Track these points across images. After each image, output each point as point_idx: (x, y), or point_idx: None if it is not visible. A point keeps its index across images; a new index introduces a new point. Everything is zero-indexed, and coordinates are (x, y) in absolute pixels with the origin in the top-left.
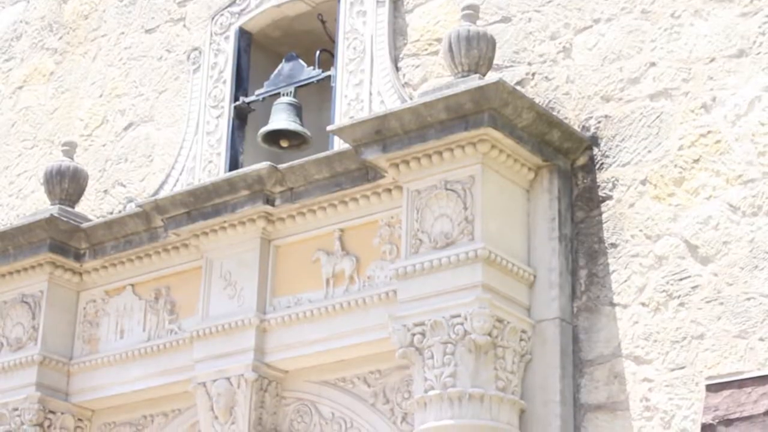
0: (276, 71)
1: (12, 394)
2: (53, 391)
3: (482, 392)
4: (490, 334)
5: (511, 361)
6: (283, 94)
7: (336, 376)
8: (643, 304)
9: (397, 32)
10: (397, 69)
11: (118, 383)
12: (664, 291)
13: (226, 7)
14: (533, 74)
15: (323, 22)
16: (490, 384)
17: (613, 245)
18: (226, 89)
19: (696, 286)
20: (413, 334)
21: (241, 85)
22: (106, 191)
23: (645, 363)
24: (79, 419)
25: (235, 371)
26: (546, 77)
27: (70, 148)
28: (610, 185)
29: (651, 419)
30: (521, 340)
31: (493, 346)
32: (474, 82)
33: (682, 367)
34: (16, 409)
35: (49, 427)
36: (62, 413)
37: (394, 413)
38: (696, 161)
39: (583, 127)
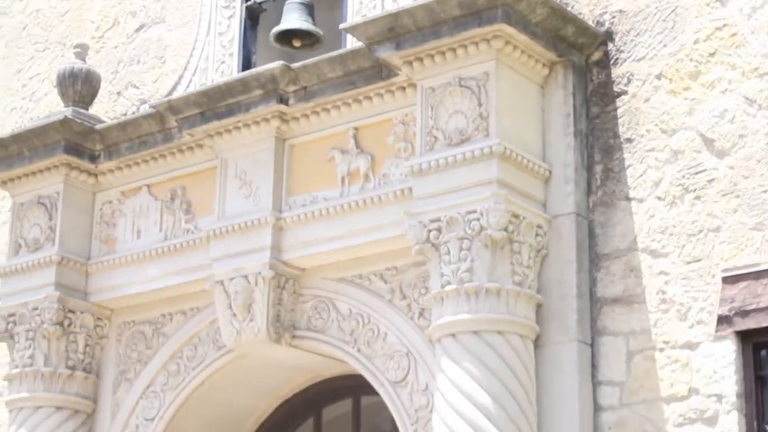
0: None
1: (31, 294)
2: (72, 290)
3: (499, 287)
4: (506, 230)
5: (527, 255)
6: None
7: (353, 273)
8: (659, 198)
9: None
10: None
11: (135, 282)
12: (680, 185)
13: None
14: None
15: None
16: (507, 278)
17: (629, 140)
18: None
19: (712, 180)
20: (429, 231)
21: None
22: (119, 93)
23: (661, 256)
24: (99, 318)
25: (252, 269)
26: None
27: (82, 51)
28: (625, 80)
29: (667, 312)
30: (537, 235)
31: (509, 241)
32: None
33: (699, 260)
34: (36, 309)
35: (68, 326)
36: (81, 312)
37: (411, 309)
38: (712, 55)
39: (598, 22)
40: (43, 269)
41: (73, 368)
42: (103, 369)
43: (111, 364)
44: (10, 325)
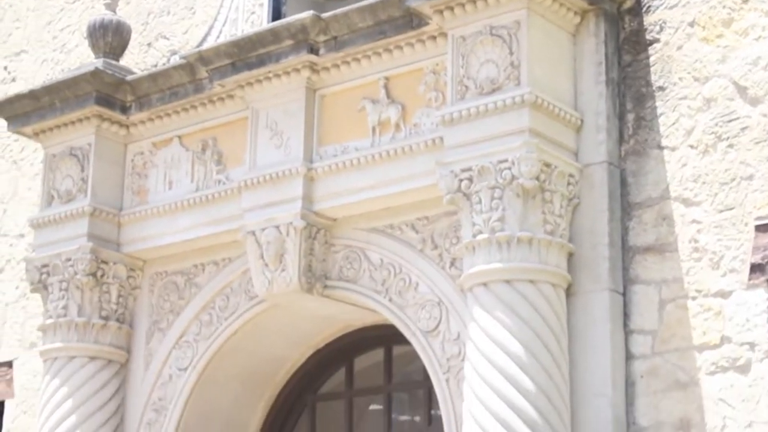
0: None
1: (64, 244)
2: (104, 241)
3: (530, 236)
4: (537, 179)
5: (559, 205)
6: None
7: (384, 223)
8: (691, 147)
9: None
10: None
11: (167, 233)
12: (712, 133)
13: None
14: None
15: None
16: (539, 228)
17: (661, 88)
18: None
19: (745, 128)
20: (460, 180)
21: None
22: (149, 44)
23: (693, 205)
24: (131, 269)
25: (283, 219)
26: None
27: (112, 2)
28: (658, 28)
29: (700, 260)
30: (569, 184)
31: (540, 191)
32: None
33: (731, 208)
34: (69, 260)
35: (101, 276)
36: (114, 263)
37: (442, 258)
38: (745, 2)
39: None
40: (76, 220)
41: (106, 318)
42: (136, 319)
43: (144, 314)
44: (44, 276)
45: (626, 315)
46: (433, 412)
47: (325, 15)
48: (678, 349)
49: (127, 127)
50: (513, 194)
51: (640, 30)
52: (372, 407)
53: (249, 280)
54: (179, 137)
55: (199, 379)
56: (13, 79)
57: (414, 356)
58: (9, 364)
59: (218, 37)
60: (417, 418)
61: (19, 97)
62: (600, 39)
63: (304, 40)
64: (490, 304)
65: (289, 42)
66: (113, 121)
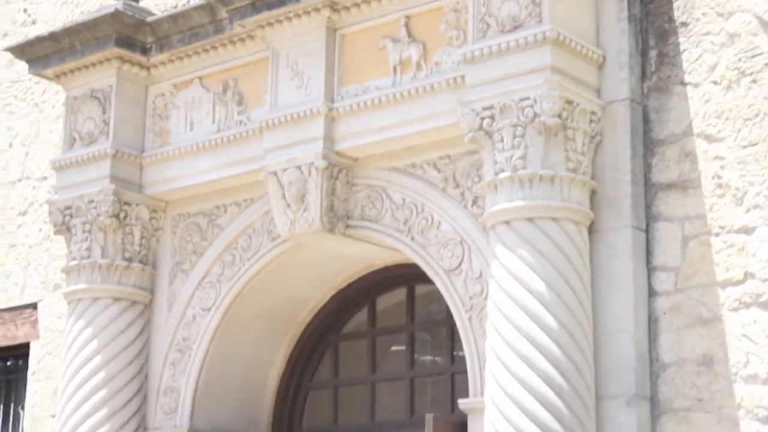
0: None
1: (87, 186)
2: (127, 183)
3: (553, 173)
4: (559, 116)
5: (581, 142)
6: None
7: (406, 162)
8: (714, 83)
9: None
10: None
11: (189, 174)
12: (736, 68)
13: None
14: None
15: None
16: (561, 165)
17: (684, 24)
18: None
19: None
20: (482, 118)
21: None
22: None
23: (717, 141)
24: (154, 210)
25: (305, 159)
26: None
27: None
28: None
29: (723, 196)
30: (591, 121)
31: (562, 128)
32: None
33: (755, 144)
34: (92, 202)
35: (124, 218)
36: (136, 205)
37: (464, 197)
38: None
39: None
40: (98, 162)
41: (129, 260)
42: (159, 260)
43: (167, 255)
44: (67, 218)
45: (649, 252)
46: (455, 353)
47: None
48: (701, 286)
49: (148, 68)
50: (535, 132)
51: None
52: (394, 348)
53: (271, 220)
54: (200, 78)
55: (223, 320)
56: (33, 22)
57: (436, 295)
58: (34, 306)
59: None
60: (439, 359)
61: (39, 40)
62: None
63: None
64: (513, 242)
65: None
66: (134, 62)
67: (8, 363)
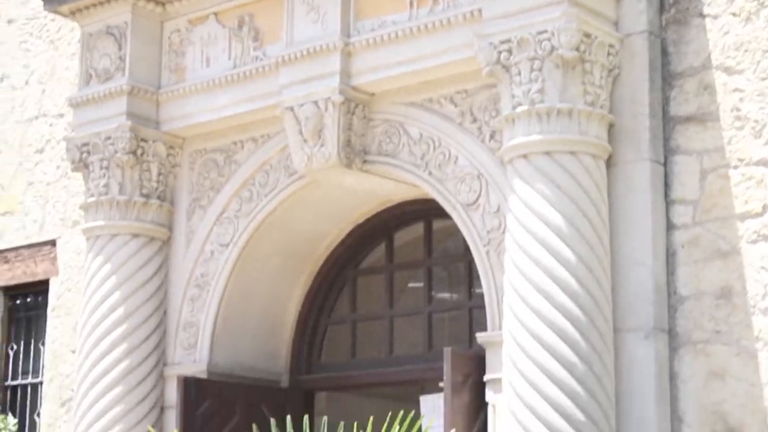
0: None
1: (104, 123)
2: (143, 119)
3: (571, 107)
4: (577, 49)
5: (599, 75)
6: None
7: (422, 96)
8: (733, 14)
9: None
10: None
11: (206, 111)
12: (755, 0)
13: None
14: None
15: None
16: (579, 98)
17: None
18: None
19: None
20: (500, 52)
21: None
22: None
23: (736, 73)
24: (171, 147)
25: (321, 94)
26: None
27: None
28: None
29: (742, 129)
30: (609, 54)
31: (580, 61)
32: None
33: None
34: (109, 138)
35: (141, 155)
36: (153, 141)
37: (481, 132)
38: None
39: None
40: (115, 99)
41: (147, 196)
42: (177, 196)
43: (184, 191)
44: (84, 155)
45: (667, 185)
46: (472, 289)
47: None
48: (719, 219)
49: (163, 4)
50: (553, 65)
51: None
52: (411, 284)
53: (288, 156)
54: (215, 14)
55: (241, 255)
56: None
57: (454, 230)
58: (53, 243)
59: None
60: (456, 296)
61: None
62: None
63: None
64: (531, 176)
65: None
66: None
67: (28, 300)
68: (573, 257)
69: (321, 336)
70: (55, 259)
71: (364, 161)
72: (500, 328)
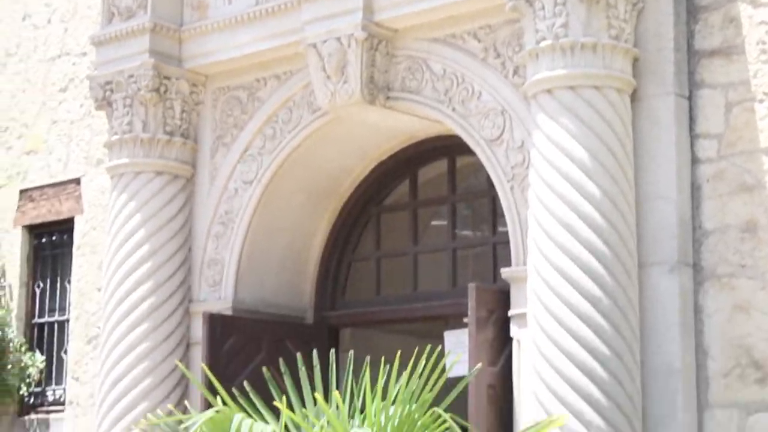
0: None
1: (126, 61)
2: (166, 57)
3: (595, 41)
4: None
5: (623, 9)
6: None
7: (446, 32)
8: None
9: None
10: None
11: (229, 48)
12: None
13: None
14: None
15: None
16: (603, 32)
17: None
18: None
19: None
20: None
21: None
22: None
23: (762, 6)
24: (194, 84)
25: (344, 31)
26: None
27: None
28: None
29: (767, 62)
30: None
31: None
32: None
33: None
34: (132, 76)
35: (165, 92)
36: (177, 79)
37: (505, 67)
38: None
39: None
40: (137, 37)
41: (171, 134)
42: (200, 134)
43: (208, 129)
44: (108, 93)
45: (692, 119)
46: (497, 226)
47: None
48: (744, 152)
49: None
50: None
51: None
52: (434, 222)
53: (311, 92)
54: None
55: (265, 192)
56: None
57: (478, 166)
58: (77, 181)
59: None
60: (479, 233)
61: None
62: None
63: None
64: (555, 111)
65: None
66: None
67: (53, 238)
68: (597, 192)
69: (345, 273)
70: (79, 197)
71: (387, 98)
72: (524, 263)
